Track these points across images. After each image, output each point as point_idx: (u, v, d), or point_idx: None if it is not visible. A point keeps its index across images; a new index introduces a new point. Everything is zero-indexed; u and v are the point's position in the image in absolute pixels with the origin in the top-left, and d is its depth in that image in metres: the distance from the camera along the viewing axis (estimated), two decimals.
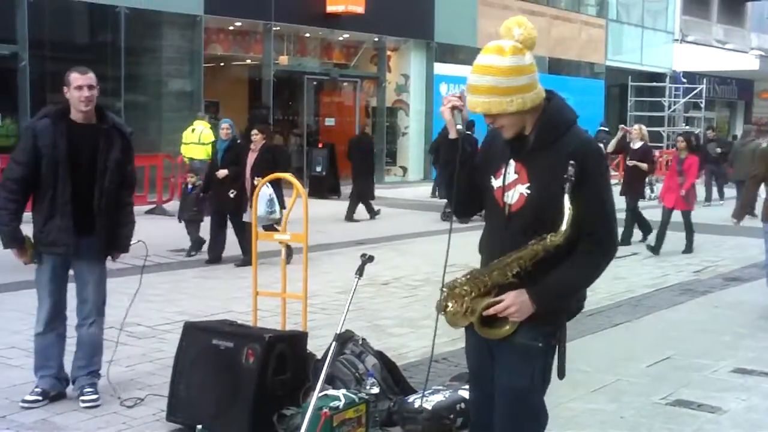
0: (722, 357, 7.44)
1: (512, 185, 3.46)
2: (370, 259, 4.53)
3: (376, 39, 26.87)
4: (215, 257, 11.76)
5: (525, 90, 3.33)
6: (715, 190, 23.16)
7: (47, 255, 5.87)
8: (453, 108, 3.50)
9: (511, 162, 3.47)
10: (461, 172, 3.54)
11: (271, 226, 11.40)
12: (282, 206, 11.23)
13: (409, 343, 7.81)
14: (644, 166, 14.75)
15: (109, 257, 6.06)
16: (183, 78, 21.94)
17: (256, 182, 11.01)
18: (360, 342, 6.01)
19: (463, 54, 27.95)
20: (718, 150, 23.03)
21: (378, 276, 10.60)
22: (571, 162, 3.27)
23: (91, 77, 5.77)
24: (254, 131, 11.98)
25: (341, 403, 5.19)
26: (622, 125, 17.22)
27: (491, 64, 3.33)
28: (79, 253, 5.88)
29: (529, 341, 3.46)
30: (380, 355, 6.00)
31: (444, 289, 3.56)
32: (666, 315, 9.23)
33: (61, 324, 6.08)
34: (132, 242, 6.21)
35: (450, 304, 3.53)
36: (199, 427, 5.26)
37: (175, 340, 5.92)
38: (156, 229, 11.56)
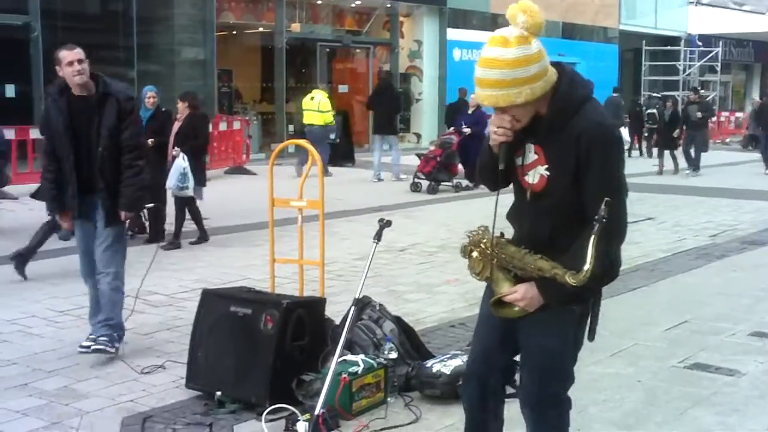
0: (739, 320, 7.43)
1: (532, 166, 3.43)
2: (388, 223, 4.53)
3: (389, 5, 26.75)
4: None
5: (533, 80, 3.24)
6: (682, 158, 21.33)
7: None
8: (502, 143, 3.38)
9: (530, 143, 3.43)
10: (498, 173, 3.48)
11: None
12: (200, 183, 11.05)
13: (425, 308, 7.82)
14: None
15: (122, 215, 6.31)
16: (196, 47, 21.88)
17: (174, 152, 10.77)
18: (377, 307, 6.02)
19: (476, 19, 27.84)
20: (699, 114, 21.22)
21: (394, 242, 10.59)
22: (607, 200, 3.15)
23: (78, 51, 6.12)
24: (179, 99, 11.71)
25: (360, 369, 5.22)
26: None
27: (496, 56, 3.23)
28: (89, 214, 6.29)
29: (565, 305, 3.46)
30: (398, 321, 6.00)
31: (475, 239, 3.54)
32: (683, 279, 9.20)
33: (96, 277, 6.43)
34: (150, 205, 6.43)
35: (475, 253, 3.54)
36: (219, 393, 5.28)
37: (193, 307, 5.95)
38: (170, 198, 11.52)
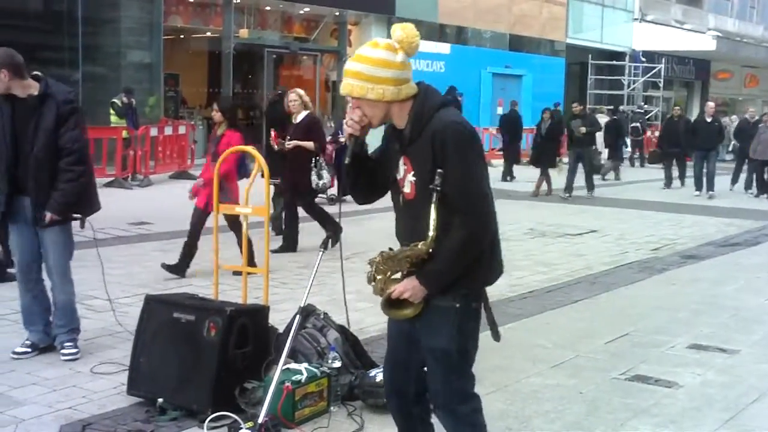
0: (679, 333, 7.54)
1: (405, 176, 3.73)
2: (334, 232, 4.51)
3: (337, 13, 26.77)
4: None
5: (387, 82, 3.62)
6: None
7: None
8: (350, 136, 3.76)
9: (402, 156, 3.74)
10: (358, 173, 3.85)
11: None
12: None
13: (369, 317, 7.81)
14: (309, 145, 10.91)
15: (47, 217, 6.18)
16: (142, 50, 21.71)
17: None
18: (322, 316, 6.01)
19: (424, 29, 27.85)
20: (583, 129, 18.84)
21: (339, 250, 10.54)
22: (439, 171, 3.51)
23: None
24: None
25: (303, 377, 5.20)
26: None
27: (363, 53, 3.67)
28: (26, 218, 6.22)
29: (447, 303, 3.70)
30: (342, 330, 6.00)
31: (373, 263, 3.81)
32: (624, 292, 9.31)
33: (35, 285, 6.43)
34: (78, 216, 6.36)
35: (378, 277, 3.79)
36: (161, 400, 5.22)
37: (135, 313, 5.89)
38: (115, 202, 11.42)
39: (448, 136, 3.56)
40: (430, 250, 3.59)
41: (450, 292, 3.67)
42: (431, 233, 3.54)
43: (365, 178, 3.89)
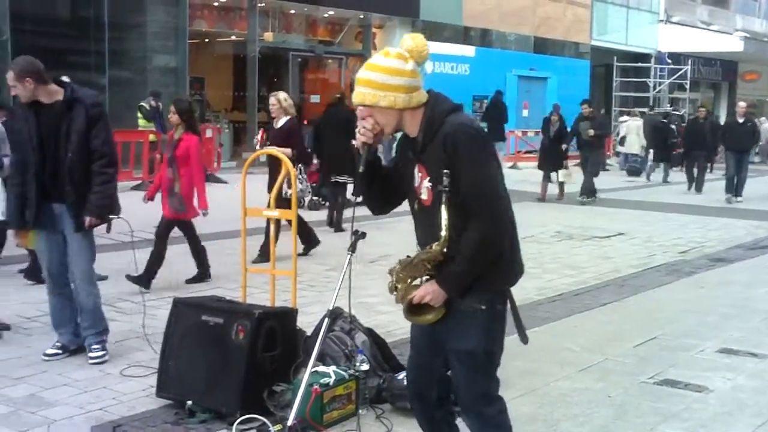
0: (708, 337, 7.48)
1: (421, 183, 3.77)
2: (363, 235, 4.49)
3: (362, 16, 26.79)
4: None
5: (398, 90, 3.65)
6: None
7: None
8: (363, 144, 3.77)
9: (417, 164, 3.78)
10: (371, 185, 3.92)
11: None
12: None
13: (396, 320, 7.79)
14: (287, 151, 9.49)
15: (86, 221, 6.24)
16: (168, 54, 21.81)
17: None
18: (349, 319, 6.00)
19: (448, 32, 27.93)
20: (591, 132, 18.01)
21: (365, 254, 10.56)
22: (445, 171, 3.55)
23: (9, 75, 6.11)
24: None
25: (332, 380, 5.21)
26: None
27: (374, 62, 3.73)
28: (53, 225, 6.29)
29: (472, 305, 3.70)
30: (370, 332, 6.00)
31: (393, 272, 3.82)
32: (653, 295, 9.26)
33: (64, 288, 6.48)
34: (113, 217, 6.47)
35: (399, 285, 3.79)
36: (189, 402, 5.25)
37: (164, 315, 5.92)
38: (141, 206, 11.43)
39: (459, 138, 3.59)
40: (445, 250, 3.61)
41: (473, 295, 3.68)
42: (443, 233, 3.58)
43: (379, 186, 3.92)
